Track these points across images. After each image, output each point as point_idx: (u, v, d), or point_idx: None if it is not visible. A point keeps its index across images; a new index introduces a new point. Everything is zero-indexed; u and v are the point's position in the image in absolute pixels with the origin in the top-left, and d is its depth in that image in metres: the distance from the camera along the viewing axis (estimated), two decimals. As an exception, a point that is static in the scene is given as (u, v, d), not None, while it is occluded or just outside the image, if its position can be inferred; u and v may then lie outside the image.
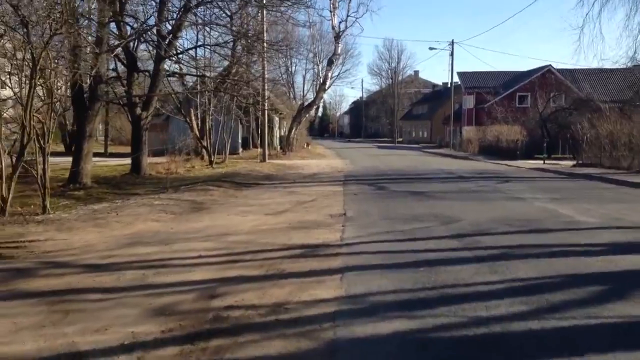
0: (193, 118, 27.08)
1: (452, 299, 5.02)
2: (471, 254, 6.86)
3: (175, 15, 18.48)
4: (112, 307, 4.80)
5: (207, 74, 20.73)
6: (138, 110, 18.41)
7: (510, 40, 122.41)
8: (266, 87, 38.86)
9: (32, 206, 10.52)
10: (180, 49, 19.57)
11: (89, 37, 14.86)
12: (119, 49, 18.35)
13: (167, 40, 18.42)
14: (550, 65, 48.98)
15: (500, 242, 7.62)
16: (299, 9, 22.70)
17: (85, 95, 14.80)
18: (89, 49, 14.32)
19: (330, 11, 34.18)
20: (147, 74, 19.76)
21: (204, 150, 25.75)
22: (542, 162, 28.81)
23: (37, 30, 10.63)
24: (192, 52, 25.27)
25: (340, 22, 34.71)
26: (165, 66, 21.80)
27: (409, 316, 4.56)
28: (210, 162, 23.99)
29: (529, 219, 9.53)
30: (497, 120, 40.70)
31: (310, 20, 34.91)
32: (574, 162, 26.57)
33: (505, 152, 34.41)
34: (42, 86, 11.81)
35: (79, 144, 14.44)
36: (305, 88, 59.46)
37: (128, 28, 18.34)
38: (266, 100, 26.75)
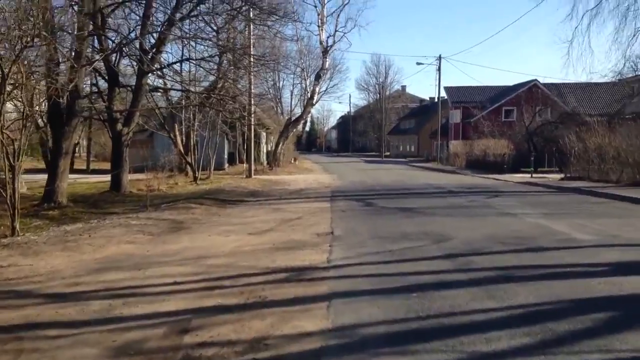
0: (177, 134, 26.60)
1: (449, 330, 4.58)
2: (466, 276, 6.44)
3: (158, 29, 18.06)
4: (71, 346, 4.29)
5: (192, 88, 20.25)
6: (119, 126, 17.90)
7: (497, 54, 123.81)
8: (253, 102, 38.65)
9: (1, 227, 9.96)
10: (165, 64, 19.10)
11: (69, 51, 14.41)
12: (101, 63, 17.95)
13: (150, 54, 18.02)
14: (536, 79, 49.38)
15: (495, 262, 7.20)
16: (286, 23, 22.34)
17: (63, 111, 14.26)
18: (67, 63, 13.87)
19: (318, 26, 34.05)
20: (129, 89, 19.27)
21: (188, 166, 25.24)
22: (529, 175, 28.62)
23: (10, 44, 10.16)
24: (176, 66, 25.00)
25: (328, 37, 34.62)
26: (149, 81, 21.40)
27: (401, 352, 4.12)
28: (195, 179, 23.46)
29: (523, 237, 9.14)
30: (484, 135, 40.68)
31: (298, 35, 34.61)
32: (562, 176, 26.40)
33: (492, 166, 34.26)
34: (19, 101, 11.33)
35: (54, 161, 13.89)
36: (292, 103, 59.10)
37: (110, 42, 17.97)
38: (252, 115, 26.31)
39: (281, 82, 63.56)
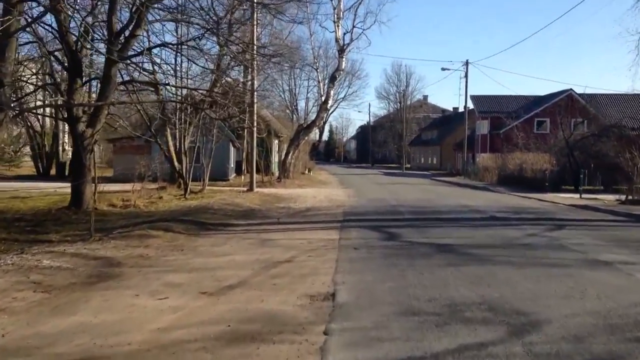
0: (169, 138, 23.12)
1: None
2: None
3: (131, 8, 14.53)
4: None
5: (173, 81, 16.67)
6: (81, 126, 14.38)
7: (530, 60, 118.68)
8: (261, 104, 35.09)
9: None
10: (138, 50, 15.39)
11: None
12: (61, 50, 14.57)
13: (123, 38, 14.56)
14: (571, 89, 45.61)
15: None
16: (295, 5, 18.62)
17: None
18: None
19: (334, 21, 30.36)
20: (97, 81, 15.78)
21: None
22: (577, 196, 24.53)
23: None
24: (170, 61, 21.55)
25: (344, 34, 30.89)
26: (135, 74, 17.91)
27: None
28: (185, 192, 19.87)
29: (664, 321, 5.24)
30: (518, 147, 36.72)
31: (309, 20, 30.47)
32: (620, 198, 22.27)
33: (530, 183, 30.24)
34: None
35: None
36: (308, 109, 55.55)
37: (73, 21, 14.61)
38: (254, 116, 22.68)
39: (297, 89, 60.30)
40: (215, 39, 16.66)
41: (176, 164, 22.10)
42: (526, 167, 32.02)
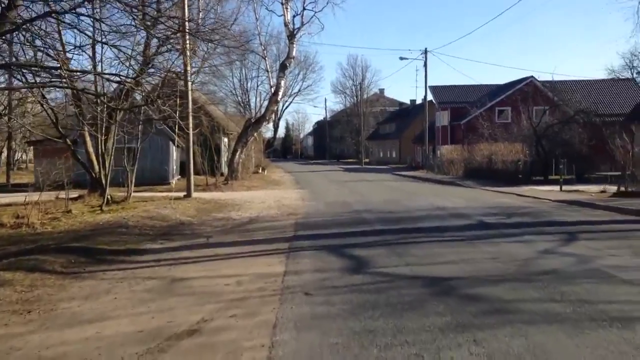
0: (87, 138, 19.39)
1: None
2: None
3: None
4: None
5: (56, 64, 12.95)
6: (-61, 124, 10.68)
7: (490, 49, 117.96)
8: (207, 99, 31.48)
9: None
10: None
11: None
12: None
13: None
14: (532, 76, 43.86)
15: None
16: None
17: None
18: None
19: (282, 3, 27.03)
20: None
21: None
22: (556, 188, 22.13)
23: None
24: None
25: (294, 17, 27.56)
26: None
27: None
28: (103, 202, 16.22)
29: None
30: (482, 138, 34.49)
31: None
32: (604, 189, 19.98)
33: (501, 176, 27.86)
34: None
35: None
36: (259, 102, 52.06)
37: None
38: (190, 109, 19.18)
39: (248, 83, 56.83)
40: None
41: (96, 168, 18.42)
42: (496, 159, 29.63)
